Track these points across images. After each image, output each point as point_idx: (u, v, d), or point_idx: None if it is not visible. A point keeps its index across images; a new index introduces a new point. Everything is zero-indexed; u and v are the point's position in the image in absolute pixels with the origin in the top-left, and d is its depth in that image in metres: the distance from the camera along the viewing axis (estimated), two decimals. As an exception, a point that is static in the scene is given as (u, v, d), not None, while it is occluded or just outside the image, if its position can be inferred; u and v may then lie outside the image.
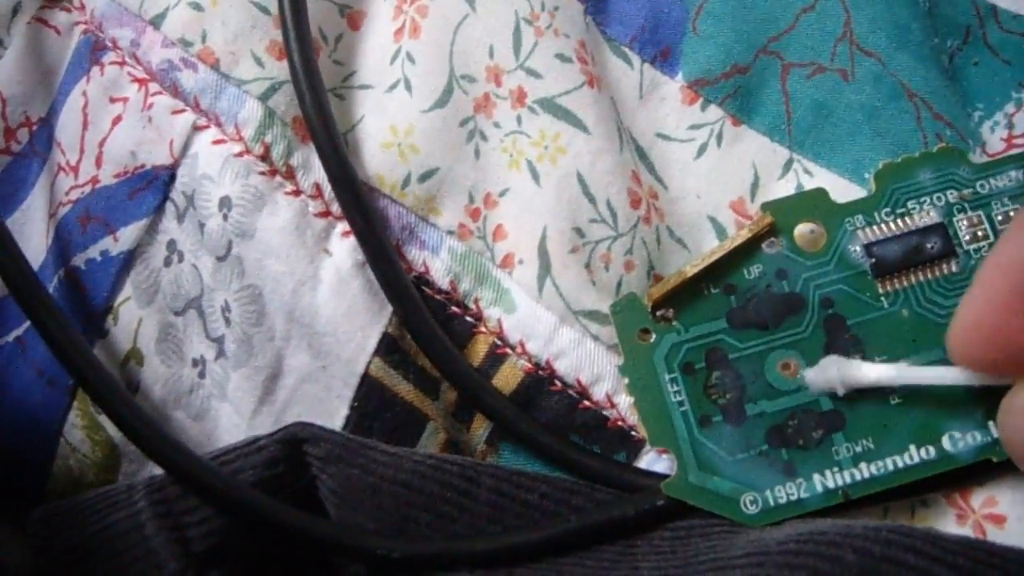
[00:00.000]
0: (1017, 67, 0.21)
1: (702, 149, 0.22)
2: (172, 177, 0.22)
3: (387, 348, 0.21)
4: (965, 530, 0.19)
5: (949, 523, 0.19)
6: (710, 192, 0.22)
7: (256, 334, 0.21)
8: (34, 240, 0.24)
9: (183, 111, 0.22)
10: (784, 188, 0.21)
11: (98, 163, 0.23)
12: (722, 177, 0.21)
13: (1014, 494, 0.19)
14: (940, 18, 0.21)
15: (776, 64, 0.21)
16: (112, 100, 0.23)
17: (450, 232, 0.21)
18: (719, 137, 0.22)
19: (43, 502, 0.22)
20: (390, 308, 0.21)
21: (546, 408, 0.21)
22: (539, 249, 0.21)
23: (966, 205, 0.20)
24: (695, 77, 0.22)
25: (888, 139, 0.21)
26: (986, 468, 0.19)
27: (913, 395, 0.19)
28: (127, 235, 0.22)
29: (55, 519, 0.20)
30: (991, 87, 0.21)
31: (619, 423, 0.21)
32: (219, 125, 0.22)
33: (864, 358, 0.19)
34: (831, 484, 0.19)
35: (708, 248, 0.21)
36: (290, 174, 0.21)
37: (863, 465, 0.19)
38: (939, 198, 0.20)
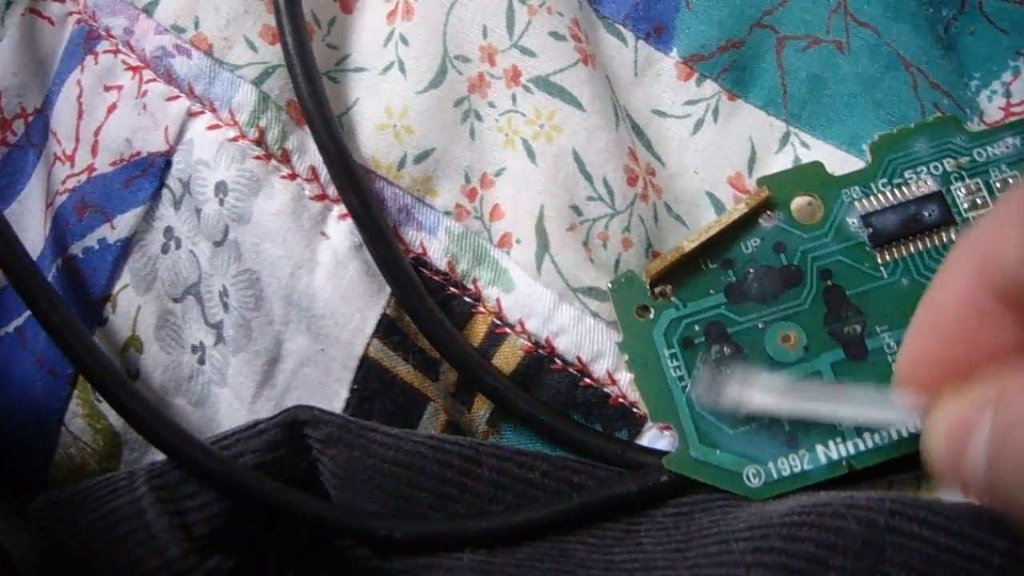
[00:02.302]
0: (1014, 35, 0.21)
1: (698, 125, 0.22)
2: (168, 164, 0.22)
3: (386, 330, 0.21)
4: (971, 499, 0.19)
5: (955, 493, 0.19)
6: (707, 168, 0.21)
7: (254, 319, 0.21)
8: (31, 230, 0.24)
9: (177, 97, 0.22)
10: (781, 161, 0.21)
11: (94, 152, 0.23)
12: (719, 152, 0.21)
13: (1019, 463, 0.19)
14: (935, -13, 0.21)
15: (771, 37, 0.21)
16: (107, 88, 0.23)
17: (447, 213, 0.21)
18: (715, 112, 0.22)
19: (45, 491, 0.22)
20: (388, 289, 0.21)
21: (547, 387, 0.21)
22: (536, 228, 0.21)
23: (964, 173, 0.20)
24: (690, 53, 0.22)
25: (885, 109, 0.21)
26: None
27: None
28: (124, 223, 0.22)
29: (57, 507, 0.20)
30: (988, 56, 0.21)
31: (620, 400, 0.20)
32: (214, 111, 0.22)
33: (865, 328, 0.19)
34: (834, 455, 0.19)
35: (706, 224, 0.21)
36: (285, 158, 0.21)
37: (866, 435, 0.19)
38: (936, 167, 0.20)
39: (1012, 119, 0.21)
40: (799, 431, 0.19)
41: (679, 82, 0.22)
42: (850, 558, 0.17)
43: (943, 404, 0.15)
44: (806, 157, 0.21)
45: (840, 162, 0.21)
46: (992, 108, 0.21)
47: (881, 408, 0.18)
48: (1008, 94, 0.21)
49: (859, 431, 0.19)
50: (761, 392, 0.19)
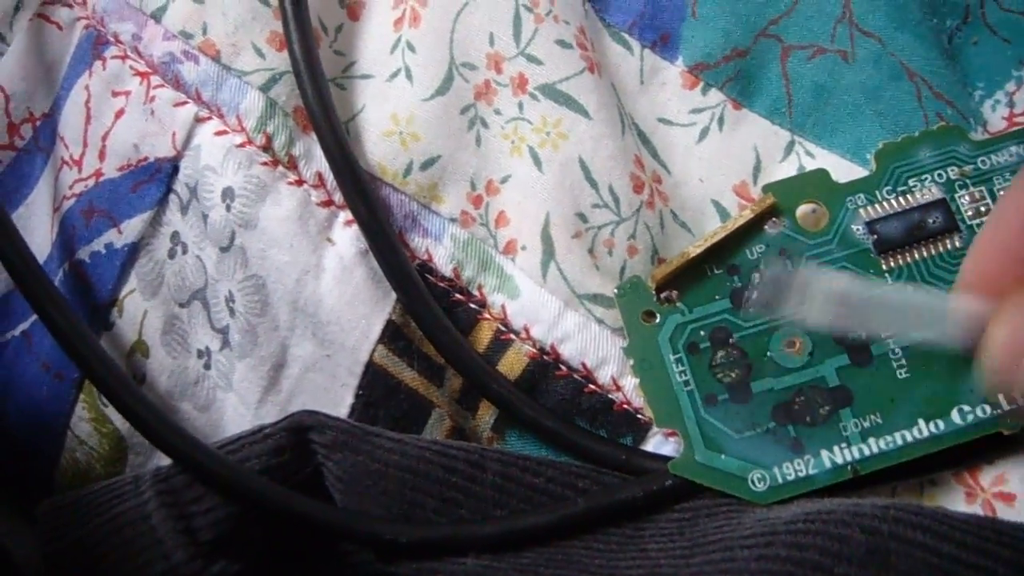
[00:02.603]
0: (1017, 45, 0.21)
1: (704, 133, 0.22)
2: (175, 169, 0.22)
3: (391, 335, 0.21)
4: (974, 508, 0.19)
5: (958, 502, 0.19)
6: (712, 176, 0.22)
7: (260, 324, 0.21)
8: (39, 234, 0.24)
9: (185, 103, 0.22)
10: (786, 170, 0.21)
11: (101, 157, 0.23)
12: (724, 161, 0.22)
13: (1024, 471, 0.19)
14: (939, -2, 0.22)
15: (776, 47, 0.21)
16: (114, 94, 0.23)
17: (452, 219, 0.21)
18: (720, 121, 0.22)
19: (51, 495, 0.22)
20: (394, 296, 0.21)
21: (552, 393, 0.21)
22: (542, 234, 0.21)
23: (968, 181, 0.20)
24: (695, 61, 0.22)
25: (889, 119, 0.21)
26: (995, 444, 0.19)
27: (921, 368, 0.19)
28: (131, 228, 0.23)
29: (62, 511, 0.21)
30: (991, 66, 0.21)
31: (625, 406, 0.21)
32: (221, 116, 0.22)
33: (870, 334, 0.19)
34: (839, 460, 0.19)
35: (712, 230, 0.21)
36: (292, 164, 0.21)
37: (872, 440, 0.19)
38: (940, 175, 0.20)
39: (1016, 128, 0.21)
40: (804, 436, 0.19)
41: (684, 91, 0.22)
42: (854, 566, 0.17)
43: (1004, 314, 0.15)
44: (810, 166, 0.21)
45: (844, 171, 0.21)
46: (996, 118, 0.21)
47: (939, 322, 0.18)
48: (1012, 103, 0.21)
49: (863, 437, 0.19)
50: (819, 310, 0.18)
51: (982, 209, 0.20)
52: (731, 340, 0.20)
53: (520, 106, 0.21)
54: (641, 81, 0.22)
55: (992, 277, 0.15)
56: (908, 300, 0.18)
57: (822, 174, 0.20)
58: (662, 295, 0.20)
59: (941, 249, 0.20)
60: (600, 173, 0.21)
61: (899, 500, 0.19)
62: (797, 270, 0.19)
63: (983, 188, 0.20)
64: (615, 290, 0.20)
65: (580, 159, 0.21)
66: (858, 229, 0.20)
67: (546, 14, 0.21)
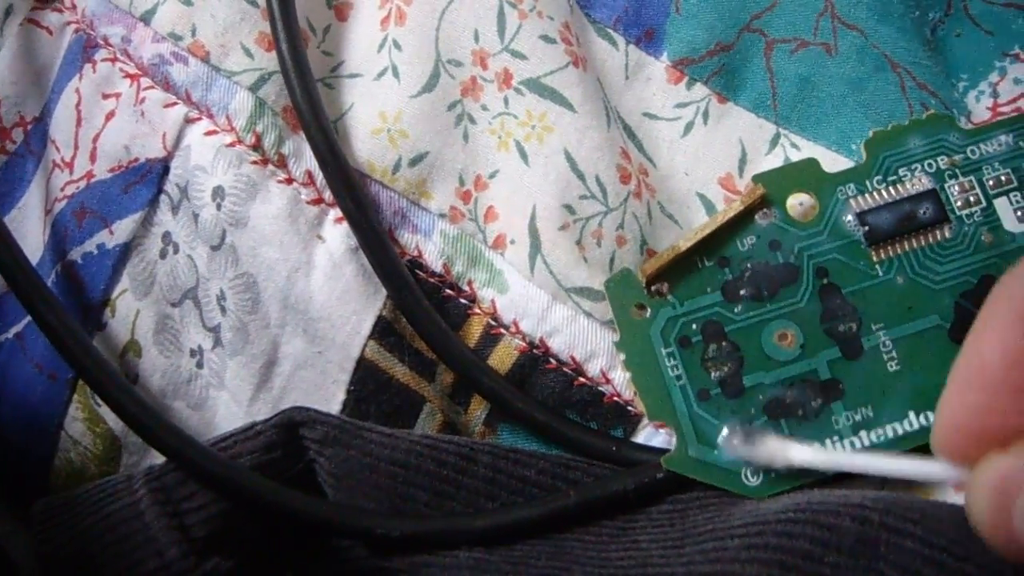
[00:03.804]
0: (1000, 37, 0.21)
1: (689, 127, 0.22)
2: (165, 169, 0.22)
3: (382, 331, 0.21)
4: (963, 495, 0.19)
5: (947, 489, 0.19)
6: (698, 169, 0.22)
7: (252, 322, 0.22)
8: (31, 237, 0.24)
9: (175, 104, 0.22)
10: (772, 163, 0.21)
11: (92, 158, 0.23)
12: (709, 154, 0.22)
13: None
14: (921, -11, 0.22)
15: (759, 41, 0.22)
16: (105, 96, 0.23)
17: (442, 215, 0.21)
18: (705, 115, 0.22)
19: (45, 495, 0.22)
20: (384, 291, 0.21)
21: (542, 386, 0.21)
22: (529, 228, 0.21)
23: (957, 171, 0.20)
24: (680, 56, 0.22)
25: (873, 110, 0.21)
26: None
27: (911, 361, 0.19)
28: (122, 228, 0.23)
29: (56, 510, 0.21)
30: (974, 57, 0.21)
31: (615, 398, 0.21)
32: (211, 116, 0.22)
33: (861, 326, 0.20)
34: (831, 454, 0.19)
35: (698, 224, 0.21)
36: (282, 162, 0.22)
37: (863, 433, 0.19)
38: (930, 165, 0.20)
39: (1001, 118, 0.21)
40: (796, 430, 0.19)
41: (669, 85, 0.22)
42: (844, 555, 0.17)
43: (989, 458, 0.14)
44: (796, 158, 0.21)
45: (830, 162, 0.21)
46: (980, 108, 0.21)
47: (922, 466, 0.17)
48: (995, 94, 0.21)
49: (855, 430, 0.19)
50: (799, 450, 0.19)
51: (971, 199, 0.20)
52: (723, 333, 0.20)
53: (506, 101, 0.21)
54: (626, 76, 0.22)
55: (964, 448, 0.15)
56: (878, 471, 0.18)
57: (812, 164, 0.20)
58: (652, 288, 0.20)
59: (931, 240, 0.20)
60: (586, 164, 0.21)
61: (889, 492, 0.19)
62: (764, 435, 0.19)
63: (972, 178, 0.20)
64: (605, 283, 0.20)
65: (566, 151, 0.21)
66: (849, 220, 0.20)
67: (530, 10, 0.21)
